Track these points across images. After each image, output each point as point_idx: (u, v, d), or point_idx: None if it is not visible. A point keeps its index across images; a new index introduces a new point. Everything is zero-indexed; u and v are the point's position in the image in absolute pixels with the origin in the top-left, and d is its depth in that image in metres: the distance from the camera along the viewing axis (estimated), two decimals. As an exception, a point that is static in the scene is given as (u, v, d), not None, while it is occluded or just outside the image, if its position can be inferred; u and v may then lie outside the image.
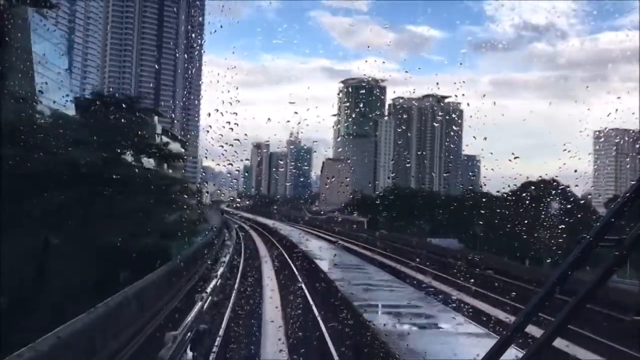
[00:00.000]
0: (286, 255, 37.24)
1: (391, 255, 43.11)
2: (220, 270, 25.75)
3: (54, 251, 21.96)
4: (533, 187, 58.26)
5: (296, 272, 28.78)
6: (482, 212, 62.11)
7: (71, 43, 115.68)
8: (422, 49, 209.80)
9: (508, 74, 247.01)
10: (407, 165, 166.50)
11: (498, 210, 52.61)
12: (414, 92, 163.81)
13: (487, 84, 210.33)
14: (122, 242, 23.83)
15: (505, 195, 52.60)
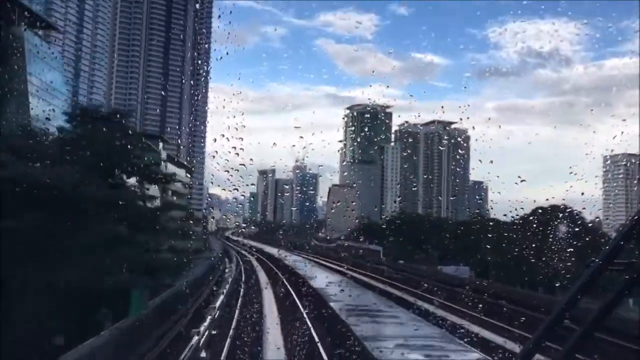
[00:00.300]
0: (295, 297, 29.04)
1: (433, 300, 32.60)
2: (208, 318, 18.89)
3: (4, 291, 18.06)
4: (541, 212, 57.09)
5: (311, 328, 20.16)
6: (491, 237, 60.69)
7: (77, 70, 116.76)
8: (426, 75, 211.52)
9: (513, 100, 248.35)
10: (413, 190, 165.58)
11: (506, 235, 51.18)
12: (418, 117, 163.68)
13: (492, 110, 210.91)
14: (88, 282, 19.81)
15: (513, 220, 51.39)
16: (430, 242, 75.87)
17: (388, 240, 77.68)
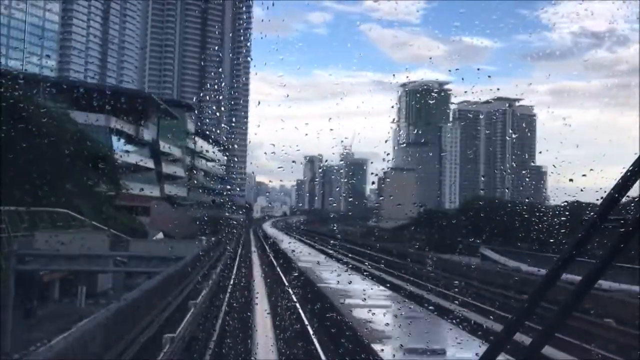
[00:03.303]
0: None
1: None
2: None
3: None
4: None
5: None
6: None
7: (105, 40, 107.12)
8: (476, 60, 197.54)
9: (566, 82, 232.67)
10: (475, 174, 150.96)
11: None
12: (477, 99, 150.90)
13: (545, 93, 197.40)
14: None
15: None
16: (519, 235, 62.33)
17: (462, 232, 64.54)
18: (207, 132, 69.25)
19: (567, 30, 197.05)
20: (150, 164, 50.97)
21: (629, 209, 2.16)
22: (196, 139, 58.40)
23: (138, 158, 44.90)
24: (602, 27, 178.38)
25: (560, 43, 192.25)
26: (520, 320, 2.22)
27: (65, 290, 20.19)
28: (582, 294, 2.13)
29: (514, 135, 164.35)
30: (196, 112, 69.88)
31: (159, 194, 51.66)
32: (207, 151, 62.74)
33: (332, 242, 52.18)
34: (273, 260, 35.62)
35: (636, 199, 2.21)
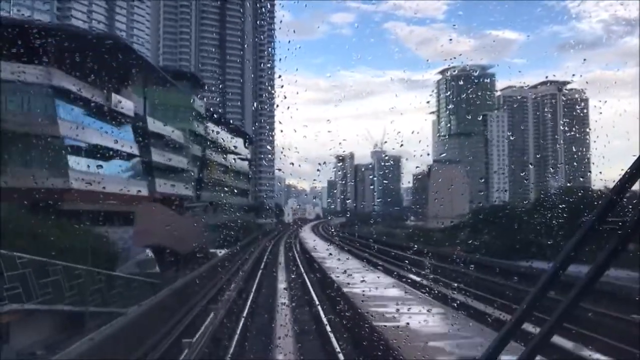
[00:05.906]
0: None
1: None
2: None
3: None
4: None
5: None
6: None
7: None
8: (504, 53, 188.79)
9: (597, 72, 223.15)
10: (525, 165, 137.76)
11: None
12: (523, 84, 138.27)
13: (575, 84, 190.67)
14: None
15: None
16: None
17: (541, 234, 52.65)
18: (227, 119, 55.93)
19: (596, 19, 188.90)
20: (132, 148, 35.88)
21: (628, 211, 2.08)
22: (209, 123, 44.78)
23: (109, 138, 30.72)
24: (633, 13, 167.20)
25: (590, 33, 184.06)
26: (516, 326, 2.17)
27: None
28: (578, 299, 2.11)
29: (564, 121, 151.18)
30: (212, 89, 58.30)
31: (147, 192, 36.89)
32: (229, 142, 49.80)
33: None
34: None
35: (635, 201, 2.13)
